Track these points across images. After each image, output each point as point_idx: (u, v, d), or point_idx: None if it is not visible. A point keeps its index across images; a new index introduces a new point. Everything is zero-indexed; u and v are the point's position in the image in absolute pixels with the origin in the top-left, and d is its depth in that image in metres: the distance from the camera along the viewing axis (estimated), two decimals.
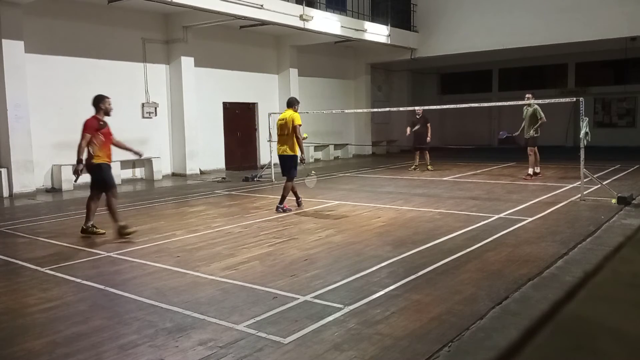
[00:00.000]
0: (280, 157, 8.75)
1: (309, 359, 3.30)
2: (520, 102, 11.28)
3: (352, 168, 15.85)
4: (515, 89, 23.77)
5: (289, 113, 8.67)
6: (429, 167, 14.26)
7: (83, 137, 6.73)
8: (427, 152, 14.26)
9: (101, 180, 6.92)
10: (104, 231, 7.05)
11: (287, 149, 8.57)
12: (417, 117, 13.99)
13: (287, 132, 8.58)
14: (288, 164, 8.61)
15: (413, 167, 14.50)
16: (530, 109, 11.69)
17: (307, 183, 9.46)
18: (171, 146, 14.60)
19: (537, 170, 12.21)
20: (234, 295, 4.52)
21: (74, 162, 6.90)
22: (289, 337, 3.59)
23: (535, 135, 11.76)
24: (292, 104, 8.87)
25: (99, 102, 6.95)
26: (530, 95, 11.33)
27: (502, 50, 18.25)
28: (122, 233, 6.74)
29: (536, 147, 11.94)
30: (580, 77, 22.86)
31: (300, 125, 8.55)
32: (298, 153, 8.62)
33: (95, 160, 6.81)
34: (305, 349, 3.43)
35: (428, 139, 13.93)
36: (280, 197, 8.68)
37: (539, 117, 11.59)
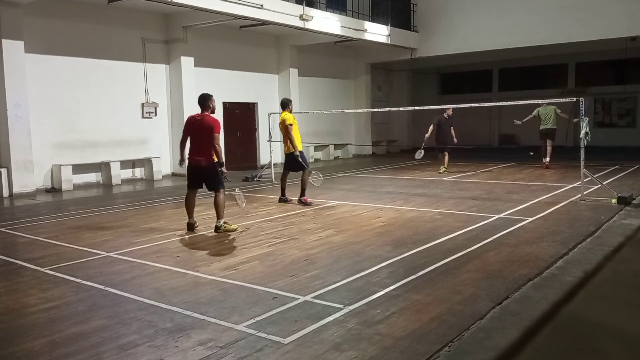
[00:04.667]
0: (286, 155, 9.51)
1: (309, 359, 3.31)
2: (520, 102, 11.28)
3: (352, 168, 15.85)
4: (515, 89, 23.79)
5: (282, 115, 9.27)
6: (441, 168, 13.76)
7: (218, 137, 6.88)
8: (446, 153, 13.73)
9: (220, 180, 7.08)
10: (236, 227, 7.18)
11: (289, 147, 9.26)
12: (447, 118, 13.52)
13: (285, 133, 9.26)
14: (293, 161, 9.20)
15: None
16: (551, 108, 13.71)
17: (313, 182, 9.59)
18: (171, 146, 14.59)
19: (548, 160, 13.87)
20: (234, 295, 4.52)
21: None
22: (289, 337, 3.59)
23: (554, 127, 13.94)
24: (285, 105, 9.42)
25: (208, 100, 7.08)
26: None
27: (502, 50, 18.24)
28: (221, 229, 6.98)
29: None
30: (580, 77, 22.83)
31: (291, 124, 9.06)
32: (297, 150, 9.14)
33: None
34: (305, 349, 3.42)
35: (454, 139, 13.59)
36: (300, 190, 9.27)
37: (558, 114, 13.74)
